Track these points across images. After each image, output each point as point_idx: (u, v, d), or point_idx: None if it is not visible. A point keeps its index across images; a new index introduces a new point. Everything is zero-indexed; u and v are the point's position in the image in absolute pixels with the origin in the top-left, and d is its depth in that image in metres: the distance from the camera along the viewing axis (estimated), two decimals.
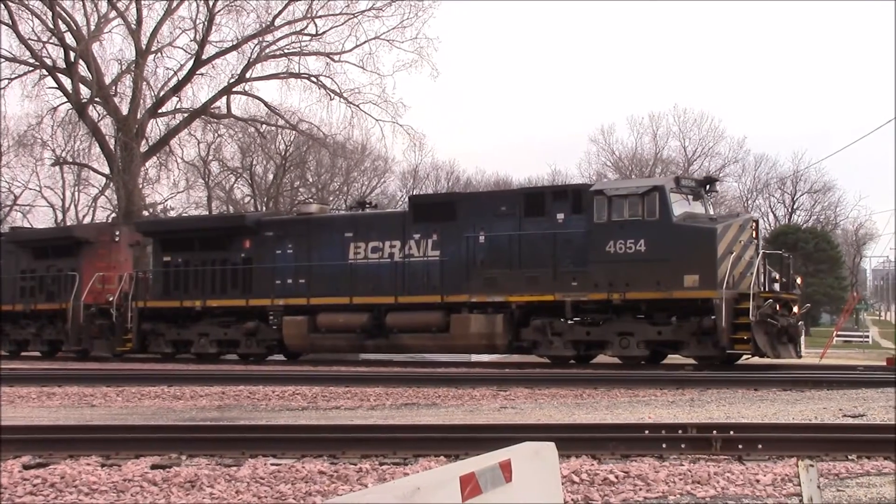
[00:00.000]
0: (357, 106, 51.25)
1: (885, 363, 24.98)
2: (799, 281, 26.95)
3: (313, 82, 51.19)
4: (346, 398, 19.29)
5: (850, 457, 10.41)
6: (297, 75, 51.34)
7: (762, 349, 23.79)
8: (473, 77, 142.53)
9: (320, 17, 50.53)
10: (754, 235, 25.46)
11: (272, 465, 10.63)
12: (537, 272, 26.10)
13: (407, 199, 32.11)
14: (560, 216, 26.08)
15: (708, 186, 26.87)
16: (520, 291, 26.32)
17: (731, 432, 11.33)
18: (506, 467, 4.76)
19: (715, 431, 11.35)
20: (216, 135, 58.72)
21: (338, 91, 50.99)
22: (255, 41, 50.61)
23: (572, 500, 8.66)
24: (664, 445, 10.94)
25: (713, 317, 23.89)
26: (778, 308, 24.34)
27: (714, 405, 16.79)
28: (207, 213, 64.79)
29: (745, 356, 25.05)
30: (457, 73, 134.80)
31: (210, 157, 65.64)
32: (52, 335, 35.43)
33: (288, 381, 22.54)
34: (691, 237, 24.56)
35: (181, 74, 50.35)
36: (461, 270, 27.19)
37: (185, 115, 51.39)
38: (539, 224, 26.32)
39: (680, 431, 11.61)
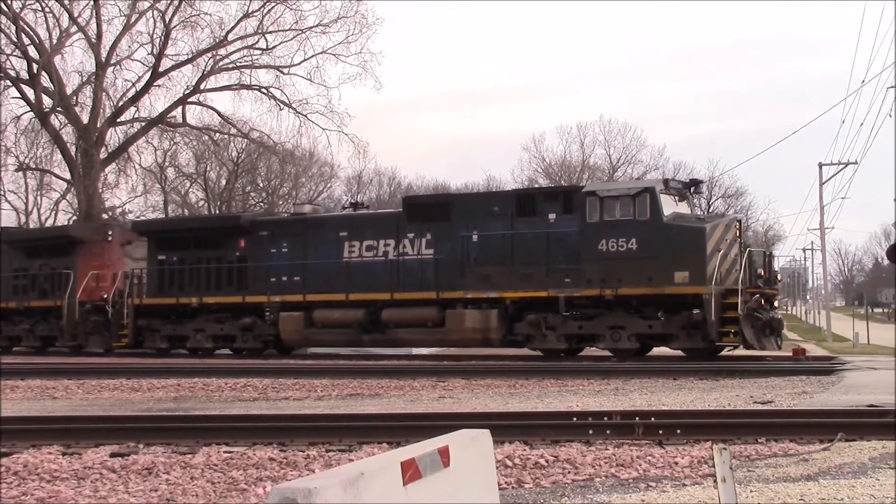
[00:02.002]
0: (305, 116, 51.14)
1: (791, 353, 25.27)
2: (779, 277, 26.98)
3: (264, 93, 51.03)
4: (294, 389, 19.20)
5: (759, 440, 10.53)
6: (249, 87, 51.16)
7: (749, 341, 23.87)
8: (413, 84, 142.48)
9: (271, 32, 50.34)
10: (738, 234, 25.50)
11: (225, 452, 10.55)
12: (531, 269, 25.89)
13: (401, 200, 31.67)
14: (552, 216, 25.90)
15: (693, 188, 26.86)
16: (514, 288, 26.09)
17: (653, 419, 11.43)
18: (444, 453, 4.75)
19: (637, 418, 11.44)
20: (172, 142, 58.44)
21: (287, 102, 50.85)
22: (209, 55, 50.29)
23: (506, 483, 8.67)
24: (591, 431, 10.99)
25: (702, 311, 23.88)
26: (762, 302, 24.47)
27: (637, 394, 16.91)
28: (164, 215, 64.10)
29: (727, 348, 25.13)
30: (399, 80, 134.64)
31: (166, 164, 65.10)
32: (45, 331, 34.55)
33: (240, 373, 22.41)
34: (681, 236, 24.53)
35: (139, 86, 49.85)
36: (455, 268, 26.92)
37: (143, 123, 50.97)
38: (531, 224, 26.10)
39: (605, 418, 11.68)
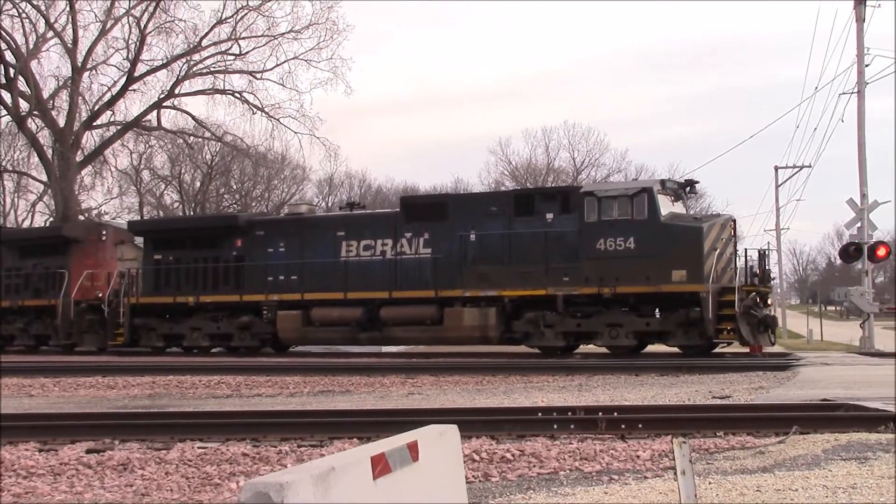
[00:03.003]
0: (277, 120, 51.03)
1: (748, 350, 25.43)
2: (771, 275, 27.11)
3: (237, 98, 50.89)
4: (267, 386, 19.13)
5: (718, 433, 10.59)
6: (223, 91, 51.06)
7: (746, 338, 23.96)
8: (382, 88, 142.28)
9: (244, 38, 50.18)
10: (732, 233, 25.57)
11: (199, 448, 10.49)
12: (529, 268, 25.74)
13: (399, 200, 31.34)
14: (549, 216, 25.78)
15: (688, 189, 26.80)
16: (512, 286, 25.94)
17: (615, 413, 11.47)
18: (413, 448, 4.75)
19: (601, 413, 11.47)
20: (147, 146, 58.23)
21: (260, 106, 50.75)
22: (184, 60, 50.09)
23: (473, 476, 8.68)
24: (555, 426, 11.00)
25: (700, 309, 23.88)
26: (757, 300, 24.51)
27: (600, 389, 16.95)
28: (140, 217, 63.70)
29: (721, 345, 25.16)
30: (368, 84, 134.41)
31: (141, 166, 64.78)
32: (39, 330, 34.04)
33: (213, 370, 22.30)
34: (679, 235, 24.50)
35: (115, 90, 49.56)
36: (453, 267, 26.75)
37: (119, 127, 50.69)
38: (529, 223, 25.97)
39: (569, 413, 11.72)
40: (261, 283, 29.31)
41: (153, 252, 31.46)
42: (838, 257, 24.80)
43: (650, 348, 26.54)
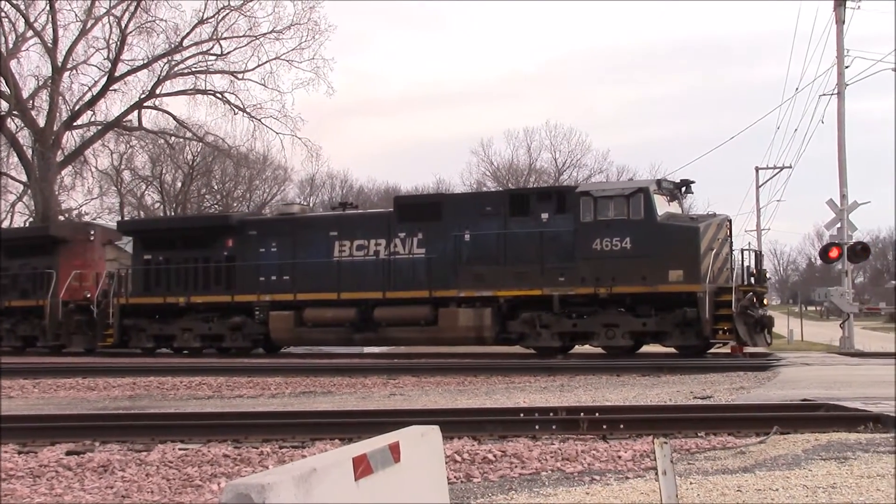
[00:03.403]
0: (259, 120, 50.87)
1: (730, 350, 25.52)
2: (767, 275, 27.04)
3: (219, 98, 50.69)
4: (248, 387, 19.09)
5: (699, 434, 10.62)
6: (204, 91, 50.84)
7: (743, 338, 23.90)
8: (364, 89, 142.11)
9: (225, 38, 49.99)
10: (728, 233, 25.48)
11: (180, 449, 10.47)
12: (524, 268, 25.58)
13: (392, 200, 31.01)
14: (544, 216, 25.62)
15: (683, 189, 26.62)
16: (508, 286, 25.77)
17: (597, 414, 11.50)
18: (395, 449, 4.75)
19: (582, 413, 11.50)
20: (128, 146, 57.89)
21: (241, 106, 50.56)
22: (165, 60, 49.85)
23: (455, 477, 8.68)
24: (537, 427, 11.02)
25: (696, 309, 23.82)
26: (754, 300, 24.49)
27: (582, 390, 16.98)
28: (120, 218, 63.45)
29: (718, 345, 25.06)
30: (349, 85, 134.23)
31: (122, 167, 64.46)
32: (26, 331, 33.48)
33: (195, 372, 22.23)
34: (676, 235, 24.40)
35: (95, 90, 49.29)
36: (448, 267, 26.52)
37: (99, 127, 50.45)
38: (524, 223, 25.81)
39: (551, 414, 11.75)
40: (253, 283, 29.04)
41: (143, 252, 31.08)
42: (818, 258, 24.84)
43: (644, 348, 26.53)
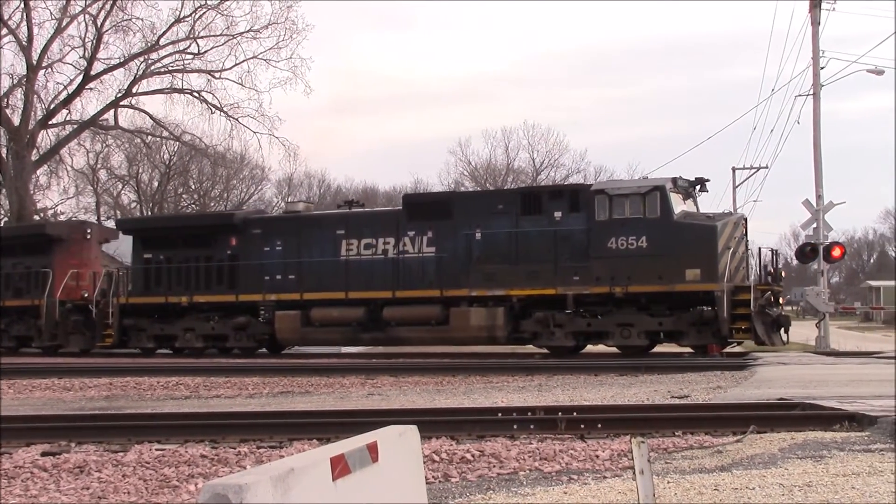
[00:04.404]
0: (236, 119, 50.76)
1: (707, 350, 25.61)
2: (783, 274, 26.96)
3: (196, 97, 50.55)
4: (226, 387, 19.04)
5: (676, 433, 10.66)
6: (181, 90, 50.67)
7: (761, 337, 23.89)
8: (341, 88, 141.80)
9: (202, 37, 49.86)
10: (744, 232, 25.42)
11: (157, 450, 10.42)
12: (537, 267, 25.38)
13: (401, 199, 30.65)
14: (557, 214, 25.45)
15: (698, 187, 26.43)
16: (520, 286, 25.56)
17: (575, 414, 11.52)
18: (373, 448, 4.75)
19: (560, 413, 11.52)
20: (104, 145, 57.72)
21: (218, 105, 50.43)
22: (141, 59, 49.67)
23: (433, 477, 8.68)
24: (515, 426, 11.03)
25: (714, 308, 23.76)
26: (772, 299, 24.44)
27: (559, 390, 17.01)
28: (96, 218, 63.14)
29: (733, 344, 25.09)
30: (327, 84, 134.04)
31: (98, 166, 64.16)
32: (21, 331, 32.91)
33: (172, 372, 22.16)
34: (693, 234, 24.30)
35: (71, 88, 49.08)
36: (459, 266, 26.29)
37: (75, 126, 50.21)
38: (536, 222, 25.64)
39: (529, 414, 11.77)
40: (257, 282, 28.66)
41: (142, 251, 30.64)
42: (794, 258, 24.91)
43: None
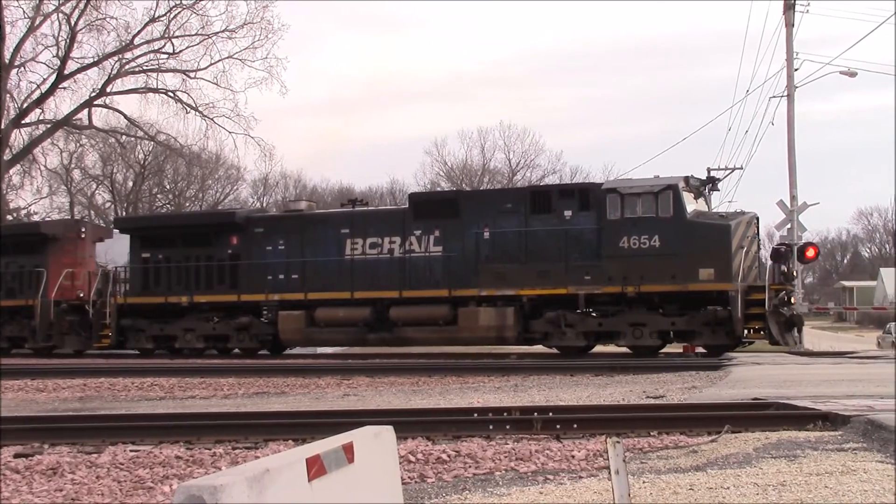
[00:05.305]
0: (211, 119, 50.63)
1: (682, 350, 25.73)
2: (795, 273, 26.82)
3: (170, 97, 50.39)
4: (201, 388, 18.96)
5: (651, 433, 10.70)
6: (156, 90, 50.49)
7: (775, 337, 23.81)
8: (317, 88, 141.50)
9: (177, 37, 49.72)
10: (756, 231, 25.34)
11: (131, 451, 10.37)
12: (548, 267, 25.15)
13: (407, 197, 30.30)
14: (567, 213, 25.24)
15: (709, 186, 26.31)
16: (531, 285, 25.31)
17: (550, 414, 11.55)
18: (348, 449, 4.74)
19: (536, 413, 11.55)
20: (78, 144, 57.48)
21: (193, 105, 50.29)
22: (116, 58, 49.49)
23: (409, 477, 8.67)
24: (491, 427, 11.04)
25: (728, 308, 23.68)
26: (785, 299, 24.36)
27: (535, 390, 17.04)
28: (70, 216, 62.77)
29: (746, 344, 24.97)
30: (302, 84, 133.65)
31: (72, 166, 63.87)
32: (14, 332, 32.16)
33: (146, 373, 22.03)
34: (706, 233, 24.15)
35: (44, 88, 48.83)
36: (467, 265, 26.03)
37: (48, 125, 49.91)
38: (546, 220, 25.40)
39: (505, 414, 11.78)
40: (260, 282, 28.24)
41: (140, 250, 30.06)
42: (769, 258, 25.01)
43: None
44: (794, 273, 26.33)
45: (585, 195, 25.52)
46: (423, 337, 27.21)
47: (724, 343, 24.54)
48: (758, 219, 25.81)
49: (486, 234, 26.04)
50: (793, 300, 25.40)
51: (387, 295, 26.77)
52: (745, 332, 24.09)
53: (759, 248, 25.45)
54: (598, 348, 26.75)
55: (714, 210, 26.31)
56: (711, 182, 26.44)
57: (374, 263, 27.12)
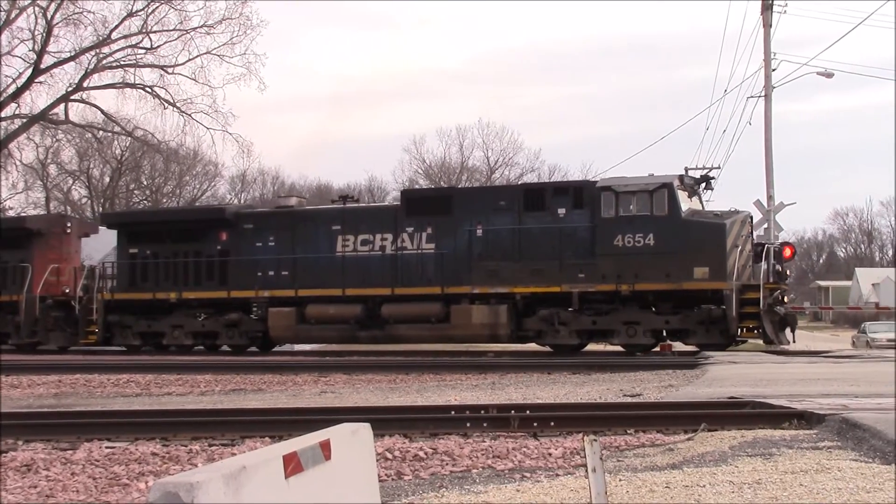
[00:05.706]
0: (189, 115, 50.46)
1: (659, 349, 25.80)
2: (788, 272, 26.85)
3: (148, 92, 50.18)
4: (177, 385, 18.90)
5: (628, 431, 10.73)
6: (133, 85, 50.22)
7: (769, 336, 23.87)
8: (295, 85, 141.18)
9: (155, 32, 49.50)
10: (750, 230, 25.37)
11: (107, 447, 10.32)
12: (542, 264, 25.08)
13: (399, 194, 30.08)
14: (561, 211, 25.18)
15: (703, 184, 26.30)
16: (524, 283, 25.21)
17: (528, 412, 11.56)
18: (325, 446, 4.73)
19: (513, 411, 11.55)
20: (54, 139, 57.26)
21: (171, 101, 50.10)
22: (93, 53, 49.24)
23: (386, 475, 8.67)
24: (468, 424, 11.04)
25: (722, 307, 23.71)
26: (780, 298, 24.40)
27: (513, 388, 17.05)
28: (46, 212, 62.40)
29: (740, 343, 25.05)
30: (281, 80, 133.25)
31: (48, 161, 63.55)
32: None
33: (122, 369, 21.93)
34: (701, 232, 24.20)
35: (20, 82, 48.53)
36: (460, 263, 25.88)
37: (24, 120, 49.63)
38: (540, 218, 25.34)
39: (482, 412, 11.80)
40: (250, 278, 27.97)
41: (128, 245, 29.77)
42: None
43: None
44: (788, 273, 26.39)
45: (580, 193, 25.50)
46: (415, 335, 27.05)
47: (717, 342, 24.55)
48: (752, 218, 25.97)
49: (480, 232, 25.94)
50: (786, 299, 25.47)
51: (378, 292, 26.65)
52: (739, 330, 24.18)
53: (752, 248, 25.42)
54: (591, 346, 26.74)
55: (707, 209, 26.37)
56: (706, 181, 26.48)
57: (365, 260, 26.98)
